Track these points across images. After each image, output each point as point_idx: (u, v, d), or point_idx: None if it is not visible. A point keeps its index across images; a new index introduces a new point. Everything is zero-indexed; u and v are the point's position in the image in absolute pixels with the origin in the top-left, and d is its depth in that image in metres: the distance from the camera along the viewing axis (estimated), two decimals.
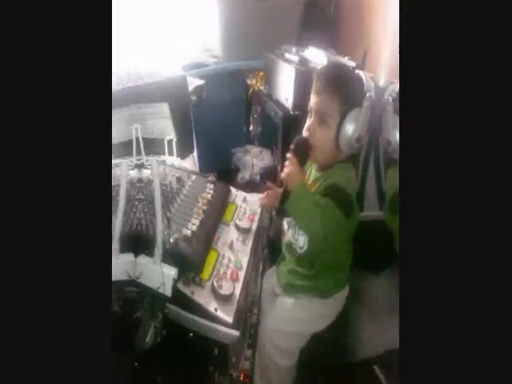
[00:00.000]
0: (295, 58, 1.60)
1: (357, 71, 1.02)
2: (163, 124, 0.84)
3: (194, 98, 1.10)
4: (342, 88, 0.95)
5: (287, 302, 1.06)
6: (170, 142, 0.85)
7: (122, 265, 0.86)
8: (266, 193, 1.14)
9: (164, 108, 0.82)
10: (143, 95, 0.79)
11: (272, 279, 1.16)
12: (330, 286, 1.06)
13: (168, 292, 0.84)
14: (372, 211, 1.69)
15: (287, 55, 1.69)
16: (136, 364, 0.90)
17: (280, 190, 0.97)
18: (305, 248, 1.03)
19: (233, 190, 1.25)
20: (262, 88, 1.85)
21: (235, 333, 0.85)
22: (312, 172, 1.07)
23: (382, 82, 1.74)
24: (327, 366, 1.08)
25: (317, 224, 0.88)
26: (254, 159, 1.94)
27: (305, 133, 1.00)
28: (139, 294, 0.86)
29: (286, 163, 0.95)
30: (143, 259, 0.86)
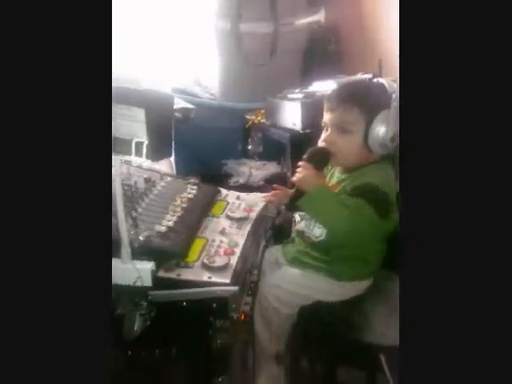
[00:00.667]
0: (300, 95, 1.61)
1: (374, 79, 1.05)
2: (135, 127, 0.87)
3: (178, 115, 1.14)
4: (361, 99, 0.98)
5: (293, 270, 1.06)
6: (138, 144, 0.88)
7: None
8: (272, 192, 1.14)
9: (139, 113, 0.85)
10: (121, 97, 0.83)
11: (276, 253, 1.16)
12: (346, 273, 1.05)
13: (148, 283, 0.85)
14: None
15: (290, 95, 1.68)
16: (130, 353, 0.91)
17: (290, 191, 1.00)
18: (322, 238, 1.04)
19: (223, 190, 1.25)
20: (263, 121, 1.83)
21: (234, 288, 0.85)
22: (335, 174, 1.08)
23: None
24: (329, 333, 1.08)
25: (341, 223, 0.91)
26: (252, 170, 1.87)
27: (321, 144, 1.02)
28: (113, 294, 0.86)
29: (299, 169, 0.97)
30: None
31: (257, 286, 1.08)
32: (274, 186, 1.16)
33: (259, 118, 1.88)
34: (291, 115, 1.60)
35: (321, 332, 1.08)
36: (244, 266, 0.96)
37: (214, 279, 0.86)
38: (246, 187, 1.73)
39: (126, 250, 0.85)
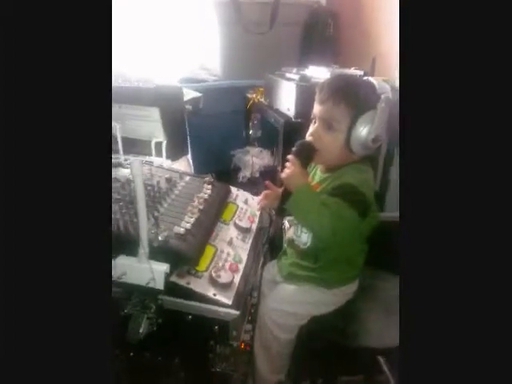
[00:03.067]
0: (296, 77, 1.63)
1: (365, 77, 1.04)
2: (152, 127, 0.86)
3: (189, 107, 1.13)
4: (349, 96, 0.96)
5: (288, 287, 1.07)
6: (158, 144, 0.87)
7: None
8: (264, 193, 1.14)
9: (154, 112, 0.85)
10: (132, 97, 0.82)
11: (273, 270, 1.18)
12: (335, 279, 1.06)
13: (160, 285, 0.85)
14: (394, 211, 1.74)
15: (288, 75, 1.70)
16: (132, 354, 0.91)
17: (279, 190, 0.99)
18: (308, 244, 1.05)
19: (233, 189, 1.24)
20: (262, 100, 1.87)
21: (235, 312, 0.85)
22: (317, 173, 1.08)
23: (397, 83, 1.79)
24: (328, 346, 1.08)
25: (323, 223, 0.90)
26: (253, 158, 1.96)
27: (308, 137, 1.01)
28: (124, 293, 0.87)
29: (287, 164, 0.96)
30: (123, 259, 0.85)
31: (256, 311, 1.09)
32: (266, 183, 1.14)
33: (259, 96, 1.92)
34: (287, 97, 1.62)
35: (320, 348, 1.09)
36: (245, 286, 0.97)
37: (218, 297, 0.86)
38: (251, 182, 1.90)
39: (144, 249, 0.84)
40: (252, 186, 1.74)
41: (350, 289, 1.10)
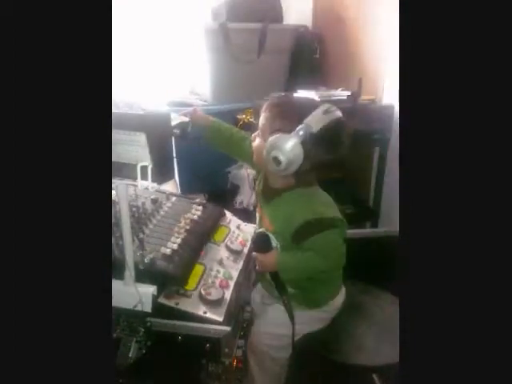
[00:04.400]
0: None
1: (310, 103, 0.97)
2: (138, 151, 0.88)
3: (176, 131, 1.16)
4: (275, 109, 0.95)
5: (277, 309, 1.06)
6: (143, 168, 0.89)
7: None
8: (258, 262, 1.07)
9: (141, 137, 0.87)
10: (122, 123, 0.84)
11: (262, 291, 1.18)
12: (323, 296, 1.08)
13: (147, 308, 0.85)
14: (387, 227, 1.76)
15: None
16: (121, 381, 0.90)
17: (269, 257, 0.99)
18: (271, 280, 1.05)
19: (227, 213, 1.25)
20: (252, 120, 1.90)
21: (226, 328, 0.86)
22: (262, 203, 1.06)
23: (384, 100, 1.82)
24: (322, 364, 1.09)
25: (319, 263, 0.96)
26: (248, 170, 1.96)
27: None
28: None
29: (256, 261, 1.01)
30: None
31: (249, 326, 1.09)
32: (253, 255, 1.07)
33: (248, 117, 1.95)
34: None
35: (315, 365, 1.09)
36: (237, 301, 0.97)
37: (209, 315, 0.86)
38: (246, 211, 1.85)
39: (130, 272, 0.85)
40: (246, 214, 1.69)
41: (338, 300, 1.11)
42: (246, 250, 1.13)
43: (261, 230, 1.04)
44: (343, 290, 1.12)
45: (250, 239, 1.18)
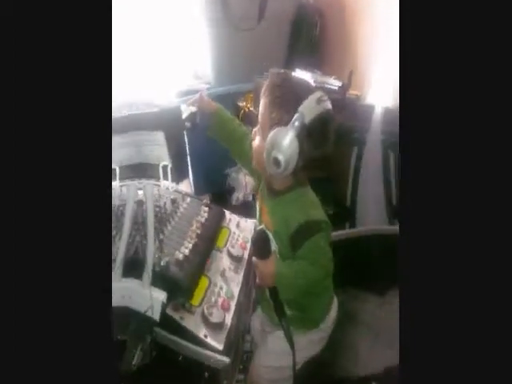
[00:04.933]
0: None
1: (306, 88, 0.93)
2: (159, 151, 0.88)
3: (187, 124, 1.14)
4: (274, 93, 0.90)
5: (278, 336, 1.03)
6: (164, 167, 0.89)
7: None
8: (258, 273, 1.02)
9: (160, 136, 0.86)
10: (141, 123, 0.83)
11: (262, 317, 1.16)
12: (319, 313, 1.07)
13: (156, 316, 0.84)
14: (370, 225, 1.74)
15: None
16: None
17: (268, 266, 0.95)
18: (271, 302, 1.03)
19: (227, 213, 1.24)
20: (252, 109, 1.90)
21: (226, 359, 0.85)
22: (265, 196, 1.04)
23: (368, 99, 1.82)
24: (325, 382, 1.08)
25: (316, 274, 0.94)
26: (246, 177, 1.96)
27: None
28: (124, 317, 0.86)
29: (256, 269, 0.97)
30: (131, 282, 0.85)
31: (249, 359, 1.07)
32: (254, 261, 1.02)
33: (249, 105, 1.93)
34: None
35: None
36: (237, 327, 0.96)
37: (209, 340, 0.85)
38: (245, 205, 1.88)
39: (148, 273, 0.84)
40: (244, 208, 1.71)
41: (333, 312, 1.10)
42: (246, 255, 1.11)
43: (261, 227, 1.02)
44: (335, 301, 1.11)
45: (250, 238, 1.16)
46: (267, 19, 2.08)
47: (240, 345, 1.04)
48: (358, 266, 1.17)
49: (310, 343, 1.06)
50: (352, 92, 1.78)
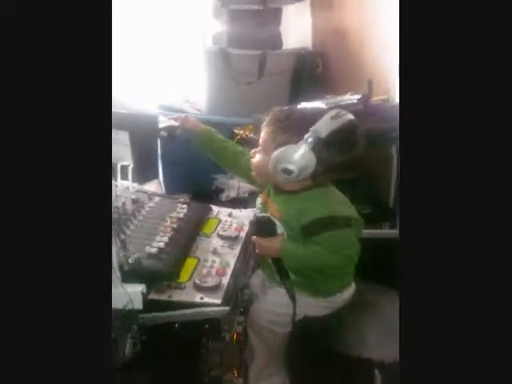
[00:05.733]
0: None
1: (316, 111, 0.99)
2: (120, 150, 0.88)
3: (164, 134, 1.15)
4: (278, 124, 0.96)
5: (279, 291, 1.05)
6: (123, 167, 0.88)
7: None
8: (258, 246, 1.06)
9: (123, 136, 0.87)
10: None
11: (262, 275, 1.16)
12: (329, 288, 1.07)
13: (138, 306, 0.84)
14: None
15: None
16: (118, 375, 0.87)
17: (273, 242, 0.99)
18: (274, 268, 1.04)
19: (214, 207, 1.23)
20: (251, 135, 1.85)
21: (225, 308, 0.85)
22: (271, 193, 1.06)
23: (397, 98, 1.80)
24: (322, 352, 1.08)
25: (319, 258, 0.97)
26: (240, 182, 1.90)
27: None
28: None
29: (256, 245, 1.02)
30: None
31: (248, 305, 1.08)
32: (253, 238, 1.06)
33: (247, 132, 1.90)
34: None
35: (313, 348, 1.09)
36: (235, 285, 0.96)
37: (206, 299, 0.85)
38: (238, 200, 1.80)
39: (115, 273, 0.83)
40: (238, 204, 1.61)
41: (348, 292, 1.10)
42: (243, 235, 1.10)
43: (264, 214, 1.04)
44: (353, 286, 1.12)
45: (247, 224, 1.15)
46: (267, 75, 2.13)
47: (239, 296, 1.03)
48: (387, 265, 1.11)
49: (311, 306, 1.07)
50: (378, 97, 1.76)
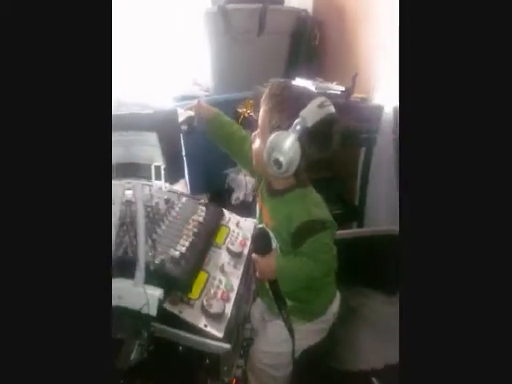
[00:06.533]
0: None
1: (307, 94, 0.95)
2: (151, 151, 0.88)
3: (184, 127, 1.15)
4: (274, 99, 0.93)
5: (277, 324, 1.06)
6: (157, 167, 0.89)
7: None
8: (257, 267, 1.05)
9: (152, 137, 0.87)
10: (131, 124, 0.83)
11: (261, 307, 1.17)
12: (320, 306, 1.08)
13: (153, 312, 0.85)
14: (381, 225, 1.75)
15: None
16: (122, 382, 0.90)
17: (269, 261, 0.99)
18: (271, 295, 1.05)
19: (226, 212, 1.25)
20: (251, 114, 1.90)
21: (226, 345, 0.86)
22: (265, 196, 1.06)
23: (375, 100, 1.81)
24: (324, 373, 1.09)
25: (316, 270, 0.97)
26: (246, 177, 1.97)
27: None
28: (119, 317, 0.85)
29: (255, 264, 1.00)
30: (121, 282, 0.85)
31: (249, 345, 1.09)
32: (253, 257, 1.05)
33: (248, 110, 1.94)
34: None
35: (314, 374, 1.09)
36: (237, 316, 0.97)
37: (209, 329, 0.86)
38: (245, 205, 1.88)
39: (140, 273, 0.85)
40: (244, 208, 1.72)
41: (335, 305, 1.11)
42: (246, 251, 1.12)
43: (261, 226, 1.04)
44: (338, 295, 1.13)
45: (249, 237, 1.17)
46: (266, 33, 2.11)
47: (240, 332, 1.05)
48: (369, 266, 1.19)
49: (309, 333, 1.07)
50: (358, 95, 1.78)
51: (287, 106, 0.90)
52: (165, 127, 0.91)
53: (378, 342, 1.04)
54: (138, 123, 0.87)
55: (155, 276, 0.87)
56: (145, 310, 0.85)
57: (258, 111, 0.98)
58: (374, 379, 1.06)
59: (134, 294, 0.85)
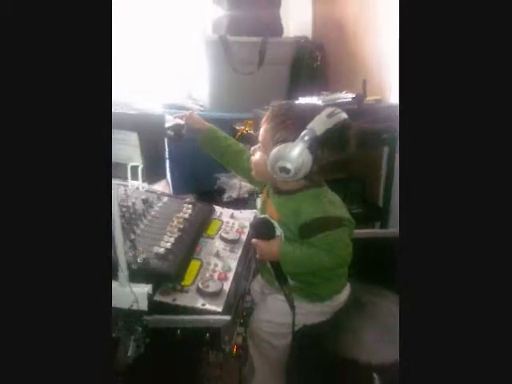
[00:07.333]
0: None
1: (313, 108, 0.96)
2: (129, 151, 0.88)
3: (170, 133, 1.16)
4: (277, 120, 0.95)
5: (277, 299, 1.06)
6: (134, 167, 0.89)
7: None
8: (258, 250, 1.06)
9: (133, 137, 0.87)
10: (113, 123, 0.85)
11: (261, 281, 1.17)
12: (326, 292, 1.08)
13: (143, 307, 0.85)
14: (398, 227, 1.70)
15: None
16: (120, 379, 0.90)
17: (272, 245, 0.99)
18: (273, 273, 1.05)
19: (217, 208, 1.25)
20: (251, 132, 1.87)
21: (226, 317, 0.86)
22: (270, 193, 1.07)
23: (391, 100, 1.82)
24: (322, 357, 1.08)
25: (320, 260, 0.96)
26: (241, 182, 1.93)
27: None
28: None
29: (256, 247, 1.01)
30: None
31: (249, 314, 1.09)
32: (253, 241, 1.05)
33: (247, 128, 1.92)
34: None
35: (314, 355, 1.09)
36: (236, 292, 0.97)
37: (208, 307, 0.86)
38: (239, 201, 1.84)
39: (123, 272, 0.85)
40: (239, 205, 1.69)
41: (342, 297, 1.10)
42: (244, 237, 1.12)
43: (263, 216, 1.04)
44: (348, 287, 1.12)
45: (247, 225, 1.16)
46: (267, 64, 2.12)
47: (240, 304, 1.05)
48: (383, 265, 1.14)
49: (310, 313, 1.07)
50: (371, 98, 1.78)
51: (292, 122, 0.92)
52: (148, 129, 0.91)
53: (384, 339, 1.02)
54: (120, 122, 0.87)
55: (140, 274, 0.87)
56: (134, 307, 0.85)
57: (258, 130, 0.99)
58: (374, 375, 1.04)
59: (122, 293, 0.85)
